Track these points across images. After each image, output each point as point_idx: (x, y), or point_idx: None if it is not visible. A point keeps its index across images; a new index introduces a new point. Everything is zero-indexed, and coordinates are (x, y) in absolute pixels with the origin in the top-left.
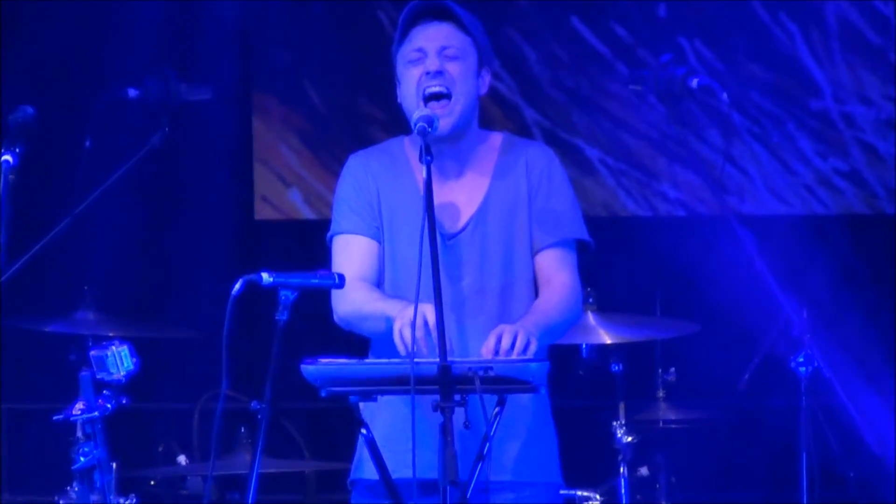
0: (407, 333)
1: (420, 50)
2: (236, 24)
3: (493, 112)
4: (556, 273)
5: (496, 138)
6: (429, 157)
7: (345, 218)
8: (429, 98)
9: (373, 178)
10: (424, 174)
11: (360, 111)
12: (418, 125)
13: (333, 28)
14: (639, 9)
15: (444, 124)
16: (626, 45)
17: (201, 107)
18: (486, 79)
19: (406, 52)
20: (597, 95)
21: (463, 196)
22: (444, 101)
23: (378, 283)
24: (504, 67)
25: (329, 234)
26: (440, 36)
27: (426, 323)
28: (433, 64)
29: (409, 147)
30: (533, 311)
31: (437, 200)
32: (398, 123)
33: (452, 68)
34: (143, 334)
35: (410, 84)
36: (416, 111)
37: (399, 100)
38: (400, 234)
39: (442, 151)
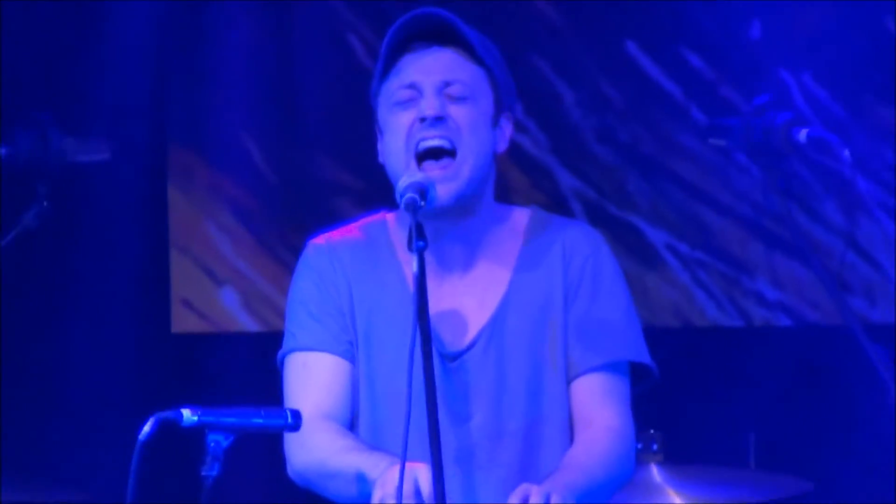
0: None
1: (412, 86)
2: (147, 56)
3: (514, 177)
4: (600, 409)
5: (520, 216)
6: (421, 243)
7: (303, 329)
8: (423, 155)
9: (343, 272)
10: (415, 267)
11: (321, 176)
12: (406, 196)
13: (283, 58)
14: (722, 28)
15: (445, 193)
16: (705, 80)
17: (97, 170)
18: (507, 129)
19: (392, 89)
20: (662, 153)
21: (472, 298)
22: (445, 161)
23: (350, 424)
24: (530, 113)
25: (281, 353)
26: (441, 66)
27: (418, 491)
28: (431, 107)
29: (394, 228)
30: (567, 465)
31: (434, 304)
32: (379, 193)
33: (458, 113)
34: (22, 498)
35: (398, 135)
36: (403, 175)
37: (380, 158)
38: (382, 353)
39: (442, 233)
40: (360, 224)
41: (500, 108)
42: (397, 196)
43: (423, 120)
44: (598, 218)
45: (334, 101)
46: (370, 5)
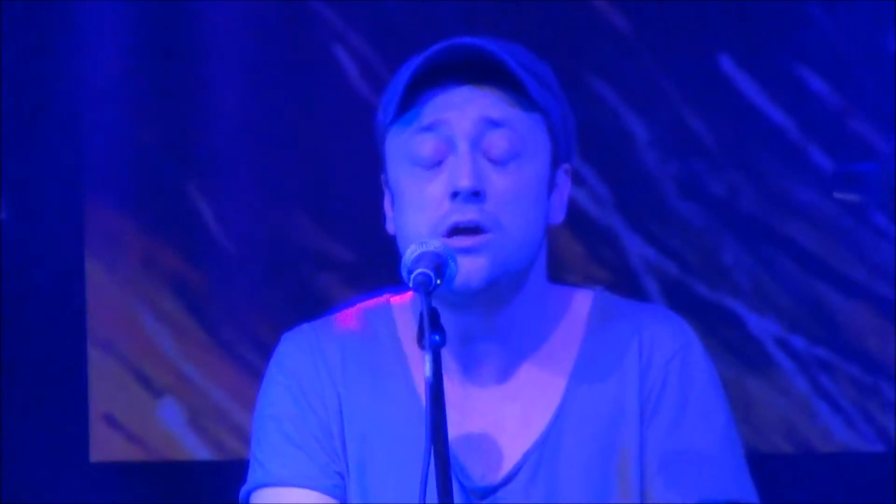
0: None
1: (439, 131)
2: (59, 80)
3: (565, 245)
4: None
5: (580, 303)
6: (436, 336)
7: (276, 457)
8: (455, 231)
9: (331, 379)
10: (428, 370)
11: (299, 244)
12: (416, 272)
13: (244, 79)
14: (854, 40)
15: (475, 272)
16: (829, 110)
17: None
18: (565, 190)
19: (408, 134)
20: (770, 212)
21: (512, 414)
22: (480, 236)
23: None
24: (587, 157)
25: (245, 490)
26: (480, 109)
27: None
28: (465, 175)
29: (401, 317)
30: None
31: (459, 422)
32: (379, 269)
33: (501, 183)
34: None
35: (419, 211)
36: (413, 244)
37: (389, 227)
38: (382, 489)
39: (471, 329)
40: (353, 312)
41: (557, 161)
42: (403, 271)
43: (456, 195)
44: (681, 302)
45: (317, 140)
46: (365, 5)
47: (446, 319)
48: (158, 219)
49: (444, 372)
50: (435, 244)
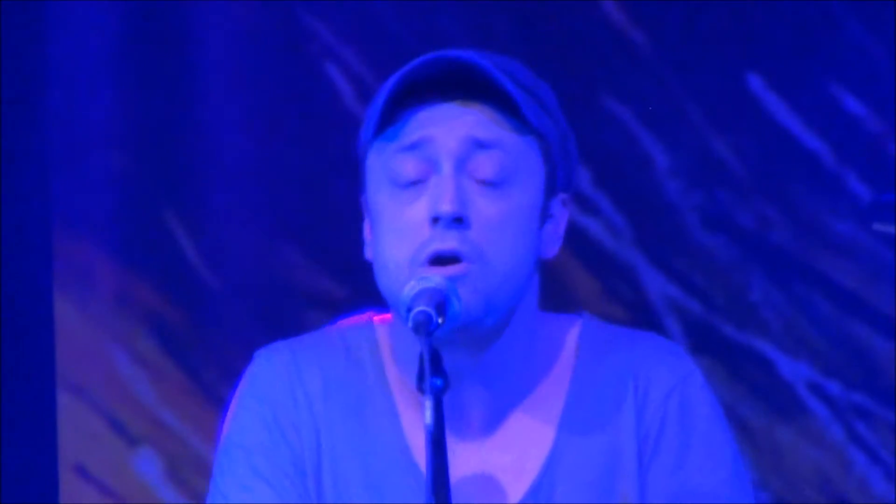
0: None
1: (421, 151)
2: (24, 96)
3: (578, 280)
4: None
5: (568, 334)
6: (438, 381)
7: (242, 491)
8: (434, 261)
9: (309, 409)
10: (429, 417)
11: (288, 278)
12: (416, 311)
13: (228, 99)
14: (886, 52)
15: (471, 300)
16: (867, 133)
17: None
18: (562, 222)
19: (389, 152)
20: (803, 245)
21: (501, 465)
22: (460, 265)
23: None
24: (602, 184)
25: None
26: (467, 126)
27: None
28: (448, 199)
29: (386, 343)
30: None
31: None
32: (374, 304)
33: (488, 208)
34: None
35: (399, 236)
36: (410, 281)
37: (367, 254)
38: None
39: (457, 370)
40: (335, 332)
41: (552, 189)
42: (401, 310)
43: (437, 220)
44: (705, 343)
45: (308, 165)
46: (360, 23)
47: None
48: (133, 250)
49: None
50: (436, 280)
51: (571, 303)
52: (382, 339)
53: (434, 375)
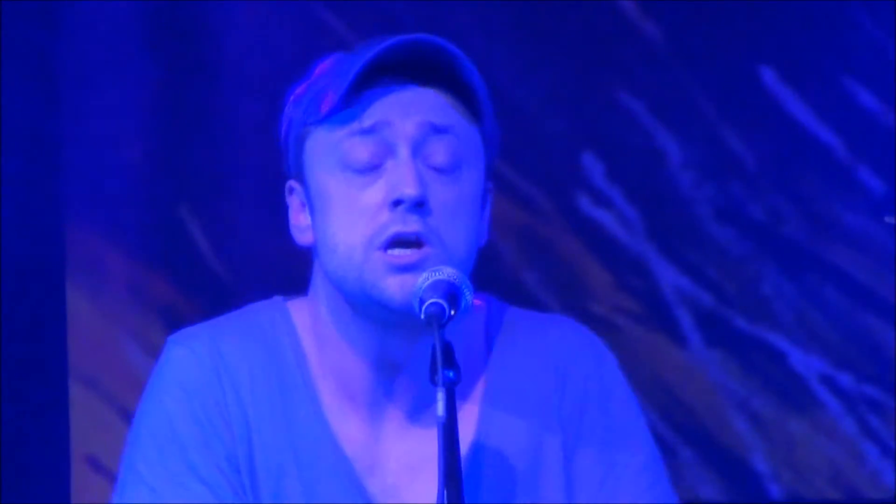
0: None
1: (376, 133)
2: (34, 92)
3: (589, 273)
4: None
5: (475, 316)
6: (450, 373)
7: (177, 488)
8: (394, 244)
9: (238, 398)
10: (441, 409)
11: (305, 272)
12: (429, 304)
13: (243, 97)
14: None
15: (410, 289)
16: (880, 127)
17: None
18: (487, 211)
19: (342, 137)
20: (816, 238)
21: (426, 457)
22: (422, 249)
23: None
24: (614, 177)
25: (122, 500)
26: (424, 110)
27: None
28: (409, 182)
29: (303, 327)
30: None
31: (368, 468)
32: None
33: (443, 194)
34: None
35: (354, 220)
36: (426, 272)
37: (298, 236)
38: None
39: (390, 352)
40: (249, 315)
41: (487, 178)
42: (413, 300)
43: (396, 203)
44: (717, 334)
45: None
46: (375, 16)
47: (366, 340)
48: (147, 244)
49: (350, 408)
50: (448, 272)
51: (586, 295)
52: (299, 321)
53: (446, 367)
